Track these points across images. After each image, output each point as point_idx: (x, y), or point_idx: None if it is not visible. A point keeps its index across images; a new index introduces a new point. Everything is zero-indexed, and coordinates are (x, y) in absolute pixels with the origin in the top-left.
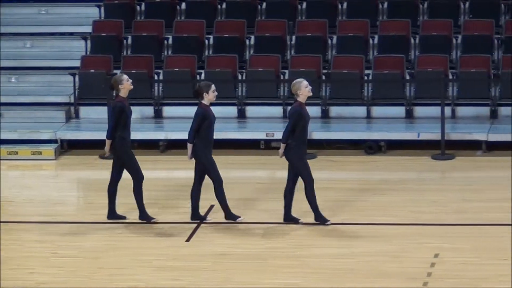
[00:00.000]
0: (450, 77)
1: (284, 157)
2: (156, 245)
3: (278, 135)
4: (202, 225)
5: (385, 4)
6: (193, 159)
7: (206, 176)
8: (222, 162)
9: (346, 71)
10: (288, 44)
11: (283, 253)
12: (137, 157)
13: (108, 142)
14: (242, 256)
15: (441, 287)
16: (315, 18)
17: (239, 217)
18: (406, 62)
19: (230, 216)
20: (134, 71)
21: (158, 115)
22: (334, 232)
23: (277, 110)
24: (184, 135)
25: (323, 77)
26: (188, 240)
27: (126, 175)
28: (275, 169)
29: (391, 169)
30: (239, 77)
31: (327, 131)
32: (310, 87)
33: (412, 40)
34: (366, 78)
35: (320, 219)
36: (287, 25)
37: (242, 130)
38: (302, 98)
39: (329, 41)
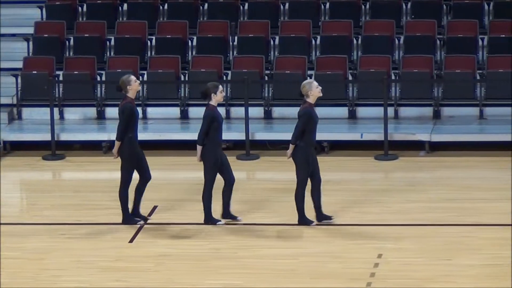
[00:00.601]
0: (393, 77)
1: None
2: (100, 246)
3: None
4: (145, 226)
5: (327, 5)
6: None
7: (218, 176)
8: (164, 163)
9: (288, 71)
10: (230, 45)
11: (225, 254)
12: (79, 159)
13: (117, 144)
14: (185, 257)
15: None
16: (259, 19)
17: (220, 220)
18: (349, 63)
19: (210, 220)
20: (76, 72)
21: (100, 116)
22: (277, 233)
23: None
24: None
25: (266, 78)
26: (131, 241)
27: (136, 175)
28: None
29: (334, 169)
30: (182, 78)
31: (270, 132)
32: (321, 88)
33: (355, 41)
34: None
35: (303, 222)
36: (229, 25)
37: (185, 131)
38: (312, 99)
39: (271, 42)
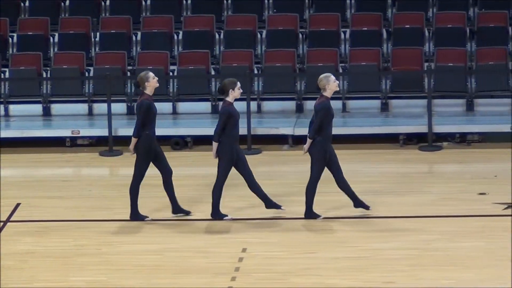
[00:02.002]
0: (256, 72)
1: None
2: None
3: (84, 132)
4: (8, 224)
5: (189, 0)
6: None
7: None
8: (27, 160)
9: (150, 67)
10: (92, 41)
11: (89, 251)
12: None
13: (134, 140)
14: (48, 254)
15: (249, 282)
16: (204, 13)
17: (226, 215)
18: (212, 58)
19: (218, 214)
20: (22, 67)
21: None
22: (142, 229)
23: (83, 107)
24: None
25: (128, 74)
26: None
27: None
28: (81, 166)
29: (198, 164)
30: (44, 75)
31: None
32: (338, 82)
33: (217, 36)
34: (171, 74)
35: (310, 216)
36: (90, 21)
37: (48, 128)
38: (329, 93)
39: (134, 38)
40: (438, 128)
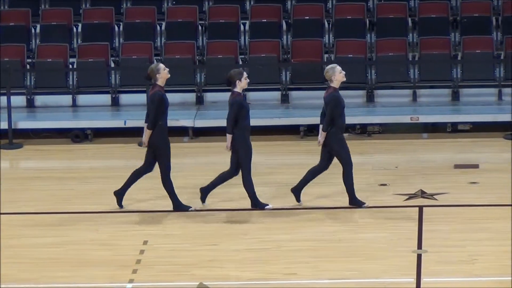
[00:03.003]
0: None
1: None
2: None
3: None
4: None
5: None
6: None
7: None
8: None
9: (50, 60)
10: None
11: None
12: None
13: (148, 133)
14: None
15: (151, 274)
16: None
17: (267, 204)
18: (111, 50)
19: (258, 204)
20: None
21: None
22: (48, 221)
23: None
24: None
25: (28, 67)
26: None
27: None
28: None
29: (98, 157)
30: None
31: (33, 121)
32: (344, 72)
33: (117, 28)
34: (71, 66)
35: (355, 203)
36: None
37: None
38: (336, 84)
39: (33, 30)
40: None
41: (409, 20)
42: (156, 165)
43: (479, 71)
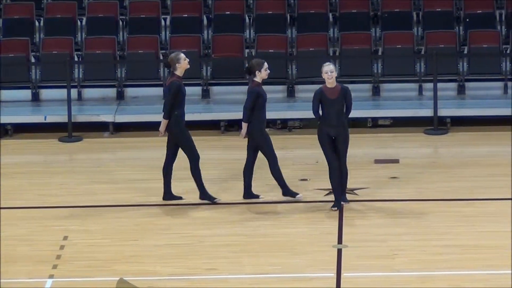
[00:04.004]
0: (76, 59)
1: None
2: None
3: None
4: None
5: None
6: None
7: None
8: None
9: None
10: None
11: None
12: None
13: (164, 122)
14: None
15: (71, 269)
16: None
17: (298, 194)
18: (32, 45)
19: (288, 193)
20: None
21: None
22: None
23: None
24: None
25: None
26: None
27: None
28: None
29: (18, 152)
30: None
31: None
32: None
33: (37, 23)
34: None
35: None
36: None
37: None
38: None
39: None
40: None
41: (330, 15)
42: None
43: (400, 66)
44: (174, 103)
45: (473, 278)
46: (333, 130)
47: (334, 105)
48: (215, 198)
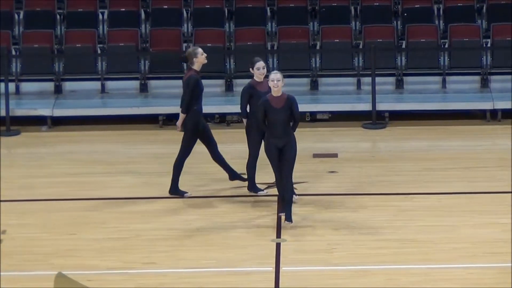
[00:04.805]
0: (14, 53)
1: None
2: None
3: None
4: None
5: None
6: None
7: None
8: None
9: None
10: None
11: None
12: None
13: (182, 117)
14: None
15: (10, 263)
16: None
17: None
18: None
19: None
20: None
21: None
22: None
23: None
24: None
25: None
26: None
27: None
28: None
29: None
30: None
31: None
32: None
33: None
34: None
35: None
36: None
37: None
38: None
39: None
40: None
41: (268, 9)
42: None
43: (338, 60)
44: (191, 98)
45: (411, 272)
46: (280, 141)
47: (279, 115)
48: (186, 192)
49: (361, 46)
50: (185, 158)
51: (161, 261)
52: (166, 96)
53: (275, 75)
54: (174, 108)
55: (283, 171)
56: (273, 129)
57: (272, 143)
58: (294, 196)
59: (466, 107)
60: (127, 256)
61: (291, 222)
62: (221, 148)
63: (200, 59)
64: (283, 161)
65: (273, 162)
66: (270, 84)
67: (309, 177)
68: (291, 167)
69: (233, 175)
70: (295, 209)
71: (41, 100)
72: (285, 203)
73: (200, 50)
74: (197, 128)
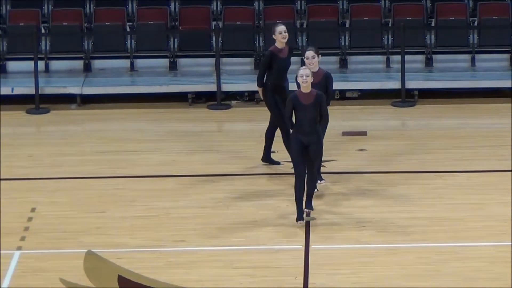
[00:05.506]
0: (43, 31)
1: None
2: None
3: None
4: None
5: None
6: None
7: None
8: None
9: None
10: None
11: None
12: None
13: (259, 90)
14: None
15: (39, 241)
16: None
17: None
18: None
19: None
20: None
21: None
22: None
23: None
24: None
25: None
26: None
27: None
28: None
29: None
30: None
31: None
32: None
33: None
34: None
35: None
36: None
37: None
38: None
39: None
40: (226, 87)
41: None
42: None
43: (367, 38)
44: (263, 72)
45: (441, 250)
46: (306, 138)
47: (307, 111)
48: (278, 162)
49: (390, 24)
50: (275, 128)
51: (190, 239)
52: (195, 74)
53: (304, 71)
54: (203, 86)
55: (311, 170)
56: (301, 126)
57: (298, 139)
58: (318, 182)
59: (495, 85)
60: (157, 234)
61: (312, 209)
62: (251, 126)
63: (277, 37)
64: (309, 161)
65: (293, 153)
66: (299, 80)
67: (339, 155)
68: (316, 168)
69: (267, 158)
70: (325, 187)
71: (70, 78)
72: (307, 197)
73: (278, 28)
74: (272, 101)
